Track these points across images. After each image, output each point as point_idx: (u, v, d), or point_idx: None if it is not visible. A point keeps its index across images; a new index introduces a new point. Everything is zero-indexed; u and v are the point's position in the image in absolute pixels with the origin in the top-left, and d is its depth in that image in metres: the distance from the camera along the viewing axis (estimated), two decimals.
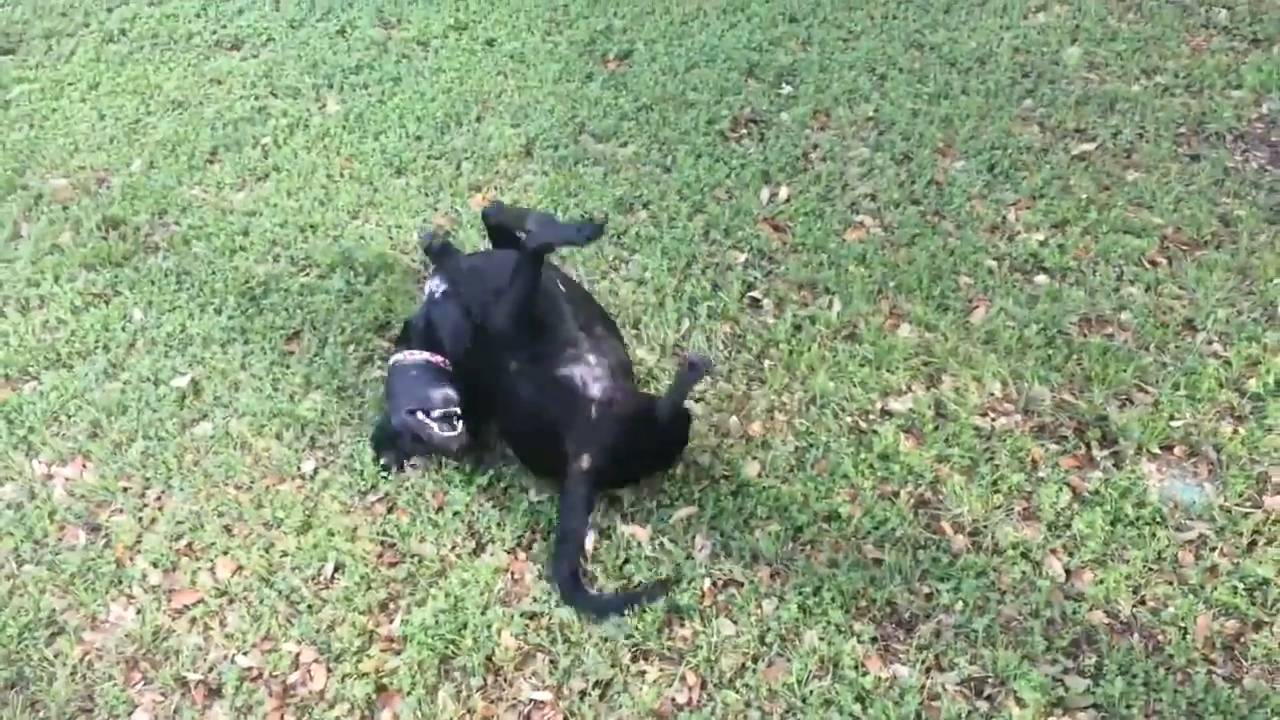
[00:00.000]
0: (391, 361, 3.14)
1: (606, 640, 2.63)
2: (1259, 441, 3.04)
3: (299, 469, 3.10)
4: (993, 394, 3.23)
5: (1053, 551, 2.80)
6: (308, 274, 3.81)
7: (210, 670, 2.65)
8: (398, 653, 2.65)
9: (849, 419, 3.17)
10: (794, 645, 2.61)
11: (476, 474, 3.04)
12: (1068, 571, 2.76)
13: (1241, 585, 2.70)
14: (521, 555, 2.85)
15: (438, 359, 3.08)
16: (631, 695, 2.54)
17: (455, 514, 2.94)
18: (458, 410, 2.98)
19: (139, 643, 2.71)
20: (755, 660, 2.59)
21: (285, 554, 2.88)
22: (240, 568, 2.86)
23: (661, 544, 2.83)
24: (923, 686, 2.52)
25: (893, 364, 3.32)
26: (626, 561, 2.81)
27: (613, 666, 2.59)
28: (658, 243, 3.80)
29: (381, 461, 3.05)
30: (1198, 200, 3.90)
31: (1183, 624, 2.62)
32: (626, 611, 2.67)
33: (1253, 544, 2.80)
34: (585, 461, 2.81)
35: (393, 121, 4.54)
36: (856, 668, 2.55)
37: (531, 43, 5.06)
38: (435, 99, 4.67)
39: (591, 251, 3.76)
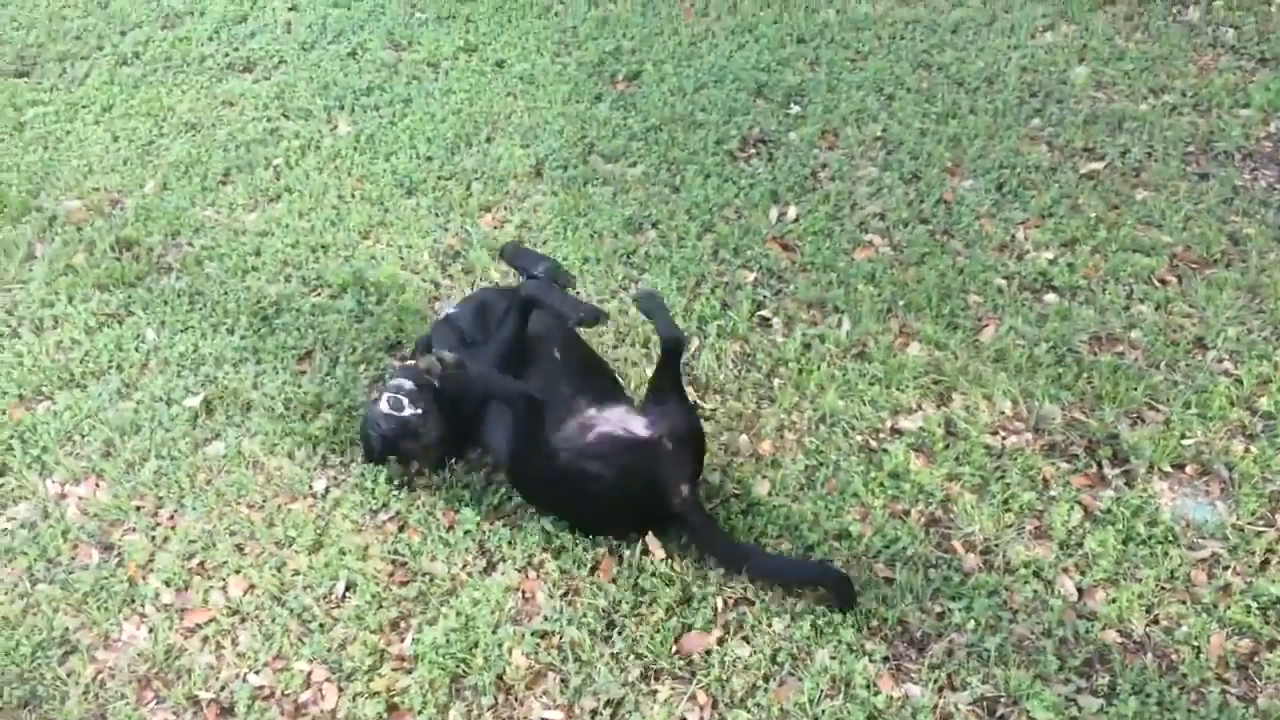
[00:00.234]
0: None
1: (617, 657, 2.63)
2: (1271, 460, 3.03)
3: (311, 488, 3.11)
4: (1003, 412, 3.23)
5: (1065, 570, 2.79)
6: (319, 294, 3.83)
7: (222, 689, 2.65)
8: (409, 671, 2.65)
9: (859, 437, 3.17)
10: (806, 664, 2.60)
11: (487, 493, 3.04)
12: (1080, 590, 2.75)
13: (1255, 604, 2.69)
14: (532, 574, 2.85)
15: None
16: (643, 714, 2.53)
17: (466, 532, 2.94)
18: (407, 399, 3.00)
19: (151, 661, 2.72)
20: (767, 679, 2.59)
21: (297, 573, 2.89)
22: (252, 586, 2.87)
23: (672, 563, 2.83)
24: (935, 706, 2.51)
25: (902, 382, 3.32)
26: (639, 577, 2.81)
27: (624, 685, 2.58)
28: (667, 262, 3.82)
29: (369, 459, 3.13)
30: (1207, 219, 3.91)
31: (1196, 643, 2.61)
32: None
33: (1266, 563, 2.79)
34: (685, 490, 2.82)
35: (403, 142, 4.57)
36: (868, 687, 2.55)
37: (541, 64, 5.10)
38: (445, 120, 4.70)
39: (601, 270, 3.79)
